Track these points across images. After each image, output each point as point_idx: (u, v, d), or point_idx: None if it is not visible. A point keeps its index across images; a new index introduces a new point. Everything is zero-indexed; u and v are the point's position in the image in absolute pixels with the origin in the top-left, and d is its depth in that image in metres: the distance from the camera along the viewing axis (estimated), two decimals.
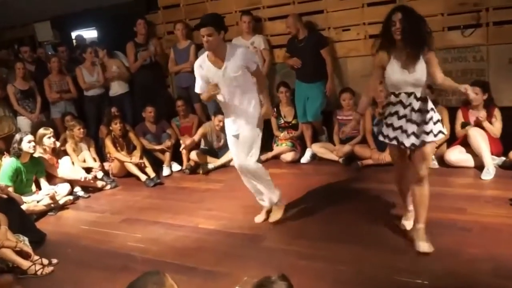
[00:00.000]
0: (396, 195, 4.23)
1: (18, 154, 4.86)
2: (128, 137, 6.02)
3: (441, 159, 4.96)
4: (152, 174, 5.71)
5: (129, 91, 6.82)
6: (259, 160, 4.07)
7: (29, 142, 4.87)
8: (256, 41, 5.94)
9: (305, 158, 5.81)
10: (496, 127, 4.76)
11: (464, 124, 4.84)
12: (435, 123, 3.16)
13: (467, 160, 4.81)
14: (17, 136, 4.93)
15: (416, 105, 3.14)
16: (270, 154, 6.02)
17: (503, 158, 4.71)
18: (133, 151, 5.99)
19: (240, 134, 3.83)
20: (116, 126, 5.91)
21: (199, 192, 5.17)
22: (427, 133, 3.14)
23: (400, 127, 3.19)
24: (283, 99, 5.95)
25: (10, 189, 4.68)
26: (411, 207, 3.51)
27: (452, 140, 5.02)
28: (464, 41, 5.01)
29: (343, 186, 4.80)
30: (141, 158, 5.86)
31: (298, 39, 5.60)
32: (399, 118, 3.20)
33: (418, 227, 3.31)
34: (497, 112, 4.79)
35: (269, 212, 4.13)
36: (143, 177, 5.68)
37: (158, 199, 5.15)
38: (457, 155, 4.85)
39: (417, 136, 3.14)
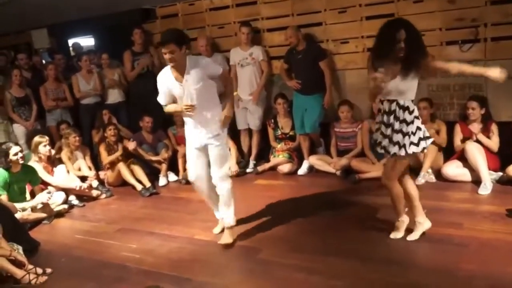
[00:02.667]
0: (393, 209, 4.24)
1: (8, 166, 4.80)
2: (122, 143, 6.02)
3: (438, 173, 4.97)
4: (148, 184, 5.68)
5: (126, 100, 6.82)
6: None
7: (15, 154, 4.79)
8: (254, 52, 5.95)
9: (302, 170, 5.80)
10: (494, 141, 4.78)
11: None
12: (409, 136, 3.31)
13: (464, 174, 4.82)
14: (3, 149, 4.80)
15: (400, 113, 3.27)
16: (267, 165, 6.01)
17: (500, 173, 4.72)
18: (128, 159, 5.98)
19: (209, 150, 3.83)
20: (110, 132, 5.93)
21: (195, 202, 5.13)
22: (400, 147, 3.30)
23: (388, 136, 3.36)
24: (280, 110, 5.95)
25: (4, 198, 4.64)
26: (401, 218, 3.67)
27: (449, 154, 5.03)
28: (462, 56, 5.02)
29: (340, 199, 4.78)
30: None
31: (296, 51, 5.61)
32: (386, 126, 3.35)
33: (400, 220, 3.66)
34: (494, 127, 4.82)
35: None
36: (138, 187, 5.65)
37: (153, 209, 5.12)
38: (454, 169, 4.86)
39: (395, 144, 3.32)
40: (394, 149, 3.34)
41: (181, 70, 3.69)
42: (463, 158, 4.81)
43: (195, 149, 3.90)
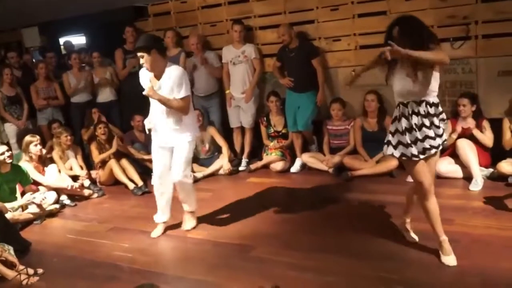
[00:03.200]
0: (386, 206, 4.27)
1: None
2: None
3: None
4: (140, 183, 5.65)
5: (117, 99, 6.79)
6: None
7: (2, 154, 4.75)
8: (247, 50, 5.94)
9: (295, 168, 5.79)
10: (488, 136, 4.82)
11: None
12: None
13: (455, 171, 4.84)
14: None
15: (431, 110, 3.08)
16: (259, 163, 6.00)
17: (491, 170, 4.75)
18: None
19: (175, 149, 3.96)
20: (100, 131, 5.91)
21: None
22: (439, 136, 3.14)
23: (426, 137, 3.09)
24: (273, 108, 5.95)
25: None
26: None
27: (441, 151, 5.04)
28: (454, 53, 5.04)
29: (333, 196, 4.78)
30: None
31: (289, 48, 5.61)
32: (419, 129, 3.09)
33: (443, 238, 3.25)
34: (486, 123, 4.85)
35: (166, 227, 4.27)
36: (131, 186, 5.62)
37: (146, 208, 5.07)
38: (446, 166, 4.88)
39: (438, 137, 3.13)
40: (438, 141, 3.14)
41: (157, 74, 3.84)
42: (454, 154, 4.84)
43: (159, 148, 4.03)
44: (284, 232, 4.03)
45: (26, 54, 7.80)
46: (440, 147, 3.21)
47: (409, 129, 3.12)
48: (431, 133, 3.10)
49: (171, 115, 3.88)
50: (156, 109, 3.93)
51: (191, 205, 4.24)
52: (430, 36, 3.07)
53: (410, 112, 3.10)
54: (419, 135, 3.10)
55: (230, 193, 4.72)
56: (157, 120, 3.96)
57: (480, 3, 4.88)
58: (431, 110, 3.09)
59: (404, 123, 3.13)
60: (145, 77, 3.93)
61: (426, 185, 3.19)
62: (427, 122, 3.09)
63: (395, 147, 3.20)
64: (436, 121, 3.12)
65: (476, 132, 4.80)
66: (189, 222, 4.26)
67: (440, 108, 3.16)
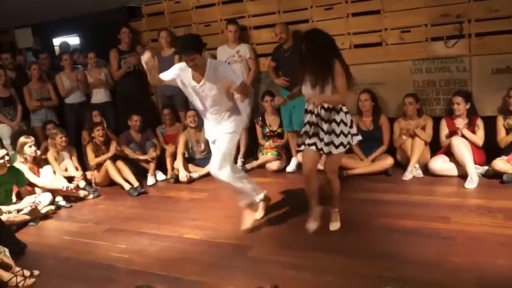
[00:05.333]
0: (382, 204, 4.28)
1: None
2: (110, 144, 5.96)
3: (425, 168, 5.01)
4: (136, 183, 5.63)
5: (112, 100, 6.78)
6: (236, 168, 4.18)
7: (2, 158, 4.76)
8: (241, 50, 5.94)
9: (291, 167, 5.80)
10: (479, 136, 4.84)
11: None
12: (345, 135, 3.62)
13: (451, 169, 4.86)
14: None
15: (323, 114, 3.58)
16: (255, 163, 6.01)
17: (486, 167, 4.77)
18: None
19: (216, 142, 3.91)
20: (98, 133, 5.88)
21: (184, 201, 5.12)
22: (336, 146, 3.61)
23: (316, 134, 3.64)
24: (268, 108, 5.95)
25: None
26: (317, 208, 3.94)
27: (436, 149, 5.08)
28: (447, 52, 5.09)
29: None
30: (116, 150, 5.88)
31: (284, 48, 5.61)
32: (312, 125, 3.65)
33: (334, 211, 3.95)
34: (479, 122, 4.88)
35: (259, 207, 4.24)
36: (126, 186, 5.60)
37: (142, 208, 5.08)
38: (441, 164, 4.90)
39: (328, 144, 3.61)
40: (329, 148, 3.62)
41: (200, 71, 3.73)
42: (449, 152, 4.85)
43: (211, 143, 4.02)
44: (281, 231, 4.04)
45: (19, 55, 7.76)
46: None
47: (309, 124, 3.70)
48: (324, 136, 3.62)
49: (217, 113, 3.86)
50: (199, 107, 3.91)
51: (243, 198, 4.08)
52: (334, 52, 3.58)
53: (310, 110, 3.67)
54: (315, 130, 3.67)
55: (225, 193, 4.67)
56: (206, 117, 3.95)
57: (473, 2, 4.91)
58: (323, 114, 3.59)
59: (307, 117, 3.73)
60: (186, 72, 3.78)
61: (305, 171, 3.81)
62: (321, 124, 3.62)
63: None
64: (326, 126, 3.60)
65: (465, 132, 4.83)
66: (247, 218, 4.08)
67: (337, 116, 3.59)
